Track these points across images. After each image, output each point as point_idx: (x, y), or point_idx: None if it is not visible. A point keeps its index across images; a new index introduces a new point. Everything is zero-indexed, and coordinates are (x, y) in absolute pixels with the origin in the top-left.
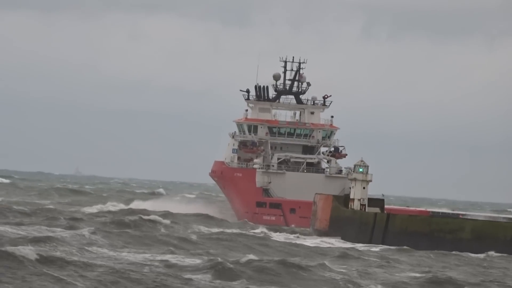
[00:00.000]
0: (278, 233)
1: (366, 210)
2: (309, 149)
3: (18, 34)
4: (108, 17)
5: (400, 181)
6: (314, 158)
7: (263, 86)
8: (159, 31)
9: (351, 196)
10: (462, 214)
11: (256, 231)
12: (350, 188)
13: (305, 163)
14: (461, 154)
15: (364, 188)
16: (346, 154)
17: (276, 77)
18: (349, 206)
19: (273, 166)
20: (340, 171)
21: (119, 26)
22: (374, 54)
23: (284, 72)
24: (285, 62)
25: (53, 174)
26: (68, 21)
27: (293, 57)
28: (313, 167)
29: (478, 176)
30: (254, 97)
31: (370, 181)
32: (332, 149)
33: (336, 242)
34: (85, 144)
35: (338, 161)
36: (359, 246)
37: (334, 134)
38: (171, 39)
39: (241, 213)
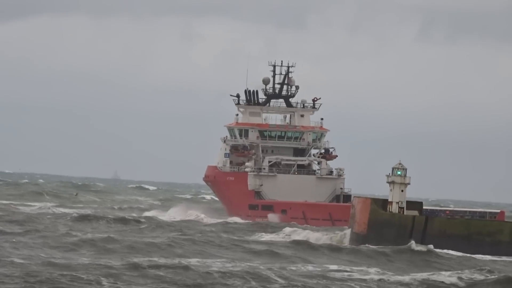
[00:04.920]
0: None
1: (405, 213)
2: (299, 152)
3: (69, 38)
4: (160, 21)
5: (456, 184)
6: (305, 160)
7: (253, 91)
8: (212, 34)
9: (389, 199)
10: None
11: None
12: (340, 188)
13: (296, 165)
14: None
15: (402, 191)
16: (337, 156)
17: (265, 81)
18: (387, 209)
19: (264, 169)
20: (331, 172)
21: (171, 30)
22: (430, 56)
23: (273, 76)
24: (274, 66)
25: (90, 178)
26: (119, 25)
27: (282, 61)
28: (304, 169)
29: None
30: (244, 101)
31: (408, 183)
32: (323, 151)
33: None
34: (124, 148)
35: (329, 162)
36: None
37: (324, 136)
38: (224, 42)
39: (234, 215)
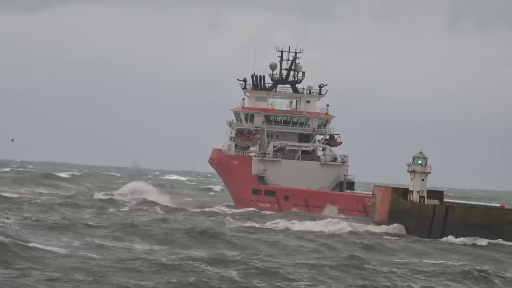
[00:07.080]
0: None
1: (425, 202)
2: (304, 137)
3: (94, 27)
4: (186, 9)
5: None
6: (309, 146)
7: (260, 76)
8: (238, 23)
9: (410, 188)
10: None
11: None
12: (344, 175)
13: (300, 151)
14: None
15: (423, 180)
16: (341, 142)
17: (272, 67)
18: (408, 198)
19: (268, 154)
20: (335, 159)
21: (197, 19)
22: (459, 45)
23: (281, 62)
24: (281, 52)
25: (110, 167)
26: (144, 14)
27: (289, 47)
28: (309, 155)
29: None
30: (251, 86)
31: (429, 173)
32: (328, 137)
33: None
34: (142, 137)
35: (333, 149)
36: None
37: (330, 122)
38: (251, 31)
39: (237, 199)
